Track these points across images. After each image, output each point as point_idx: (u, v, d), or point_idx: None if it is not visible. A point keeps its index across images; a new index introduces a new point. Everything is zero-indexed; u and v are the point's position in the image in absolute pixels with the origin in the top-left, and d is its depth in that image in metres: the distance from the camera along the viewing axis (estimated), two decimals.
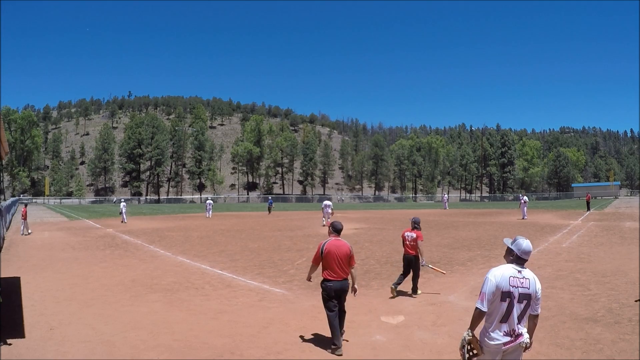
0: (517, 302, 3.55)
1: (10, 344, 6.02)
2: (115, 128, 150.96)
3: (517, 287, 3.56)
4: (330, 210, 25.03)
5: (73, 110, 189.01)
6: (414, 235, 8.73)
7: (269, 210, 41.98)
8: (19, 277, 10.58)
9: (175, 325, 6.96)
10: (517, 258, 3.70)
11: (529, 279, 3.62)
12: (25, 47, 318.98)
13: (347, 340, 6.16)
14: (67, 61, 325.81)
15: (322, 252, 5.98)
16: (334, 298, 5.94)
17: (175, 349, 5.95)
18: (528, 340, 3.60)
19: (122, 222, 29.04)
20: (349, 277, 6.09)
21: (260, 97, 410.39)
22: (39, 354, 5.77)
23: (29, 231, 22.36)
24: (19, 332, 6.49)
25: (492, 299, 3.56)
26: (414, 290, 8.86)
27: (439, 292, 9.09)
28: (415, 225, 8.84)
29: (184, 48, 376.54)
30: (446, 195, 55.32)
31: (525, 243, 3.70)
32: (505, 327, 3.56)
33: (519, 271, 3.63)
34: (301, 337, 6.43)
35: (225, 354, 5.78)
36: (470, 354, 3.67)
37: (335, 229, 6.20)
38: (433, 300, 8.39)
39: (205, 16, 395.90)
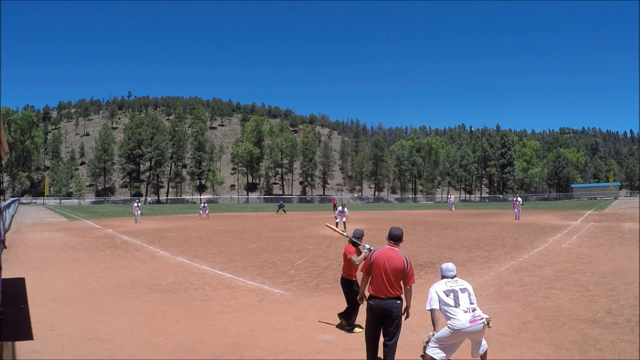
0: (461, 292, 4.74)
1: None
2: (115, 128, 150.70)
3: (454, 286, 4.80)
4: (345, 214, 25.84)
5: (73, 110, 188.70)
6: None
7: (283, 210, 42.73)
8: (24, 278, 10.52)
9: (175, 326, 6.97)
10: (447, 277, 4.93)
11: (462, 281, 4.94)
12: (25, 47, 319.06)
13: None
14: (67, 61, 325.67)
15: None
16: None
17: (175, 349, 5.95)
18: (485, 315, 4.70)
19: (135, 222, 30.48)
20: None
21: (260, 98, 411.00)
22: (39, 354, 5.76)
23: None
24: (27, 335, 6.40)
25: (436, 300, 4.72)
26: None
27: None
28: None
29: (183, 48, 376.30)
30: (452, 197, 52.51)
31: (444, 265, 5.08)
32: (462, 308, 4.62)
33: (453, 279, 4.93)
34: (301, 337, 6.43)
35: (225, 354, 5.77)
36: None
37: None
38: None
39: (205, 17, 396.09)
